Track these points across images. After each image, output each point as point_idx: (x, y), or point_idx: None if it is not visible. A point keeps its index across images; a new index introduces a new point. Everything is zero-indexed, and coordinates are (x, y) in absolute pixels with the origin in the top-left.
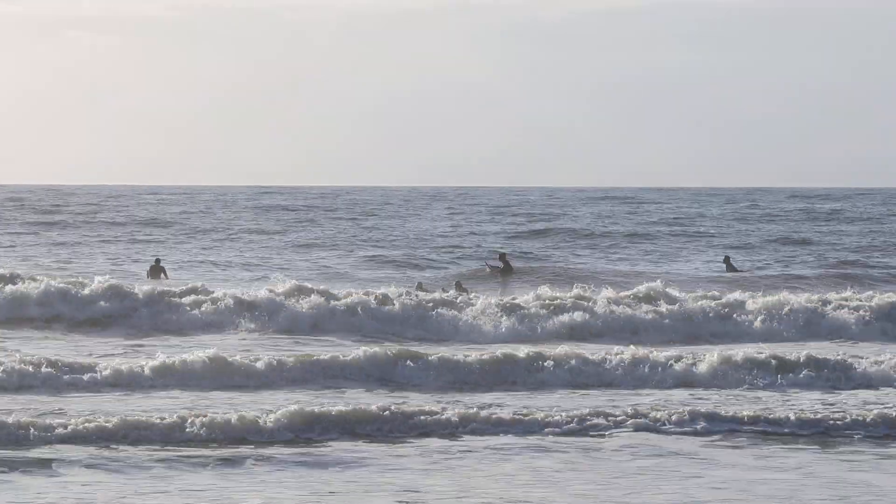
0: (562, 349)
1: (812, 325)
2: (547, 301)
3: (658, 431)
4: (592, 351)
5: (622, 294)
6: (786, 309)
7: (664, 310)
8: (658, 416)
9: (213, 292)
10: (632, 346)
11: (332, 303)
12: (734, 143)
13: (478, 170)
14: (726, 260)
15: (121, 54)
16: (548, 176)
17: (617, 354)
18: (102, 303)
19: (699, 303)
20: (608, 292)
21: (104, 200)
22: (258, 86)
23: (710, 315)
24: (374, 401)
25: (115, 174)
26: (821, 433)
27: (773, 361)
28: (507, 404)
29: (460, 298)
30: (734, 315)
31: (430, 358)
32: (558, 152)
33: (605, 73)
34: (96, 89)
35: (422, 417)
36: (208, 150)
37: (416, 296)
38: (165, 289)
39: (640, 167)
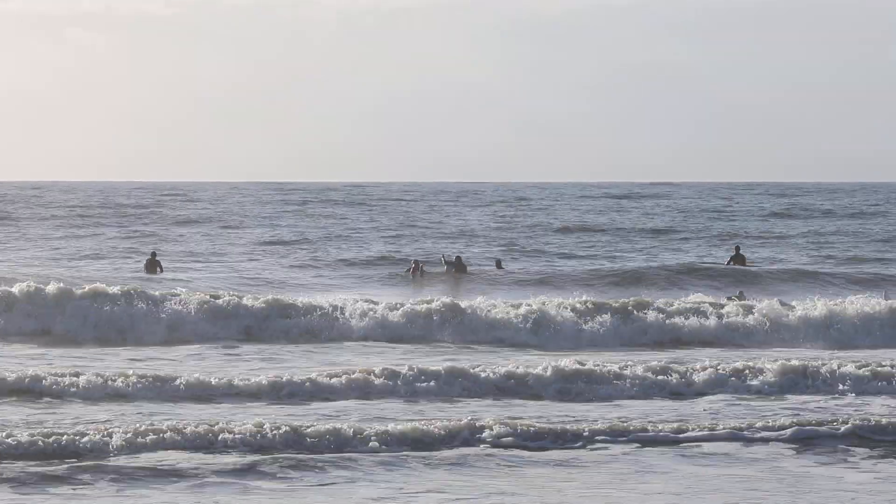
0: None
1: None
2: None
3: None
4: None
5: None
6: None
7: None
8: None
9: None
10: None
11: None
12: (736, 139)
13: (477, 166)
14: (737, 249)
15: (120, 52)
16: (548, 172)
17: None
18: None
19: None
20: None
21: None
22: (257, 83)
23: None
24: None
25: (113, 171)
26: None
27: None
28: None
29: None
30: None
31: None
32: (558, 149)
33: (605, 69)
34: (95, 87)
35: None
36: (207, 147)
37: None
38: None
39: (641, 163)
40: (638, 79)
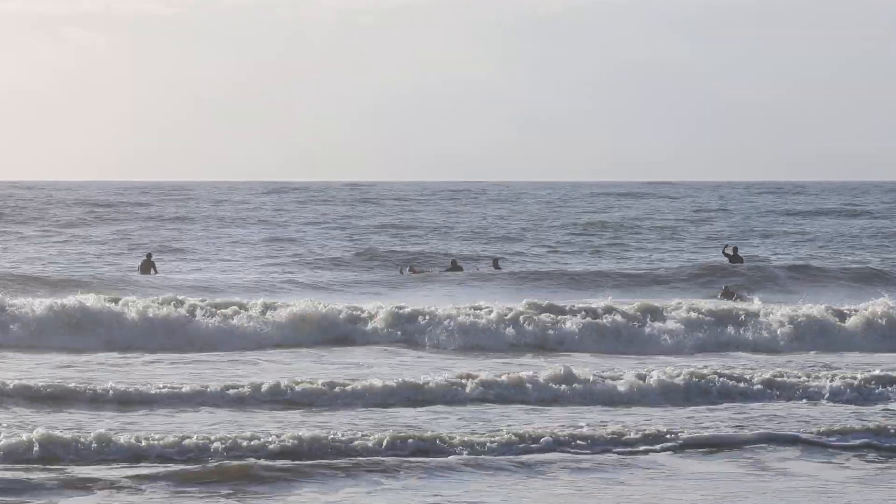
0: None
1: None
2: None
3: None
4: None
5: None
6: None
7: None
8: None
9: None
10: None
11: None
12: (738, 136)
13: (479, 164)
14: (734, 250)
15: (119, 51)
16: (550, 170)
17: None
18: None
19: None
20: None
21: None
22: (258, 82)
23: None
24: None
25: (113, 171)
26: None
27: None
28: None
29: None
30: None
31: None
32: (560, 146)
33: (607, 66)
34: (95, 87)
35: None
36: (206, 147)
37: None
38: None
39: (643, 161)
40: (640, 76)
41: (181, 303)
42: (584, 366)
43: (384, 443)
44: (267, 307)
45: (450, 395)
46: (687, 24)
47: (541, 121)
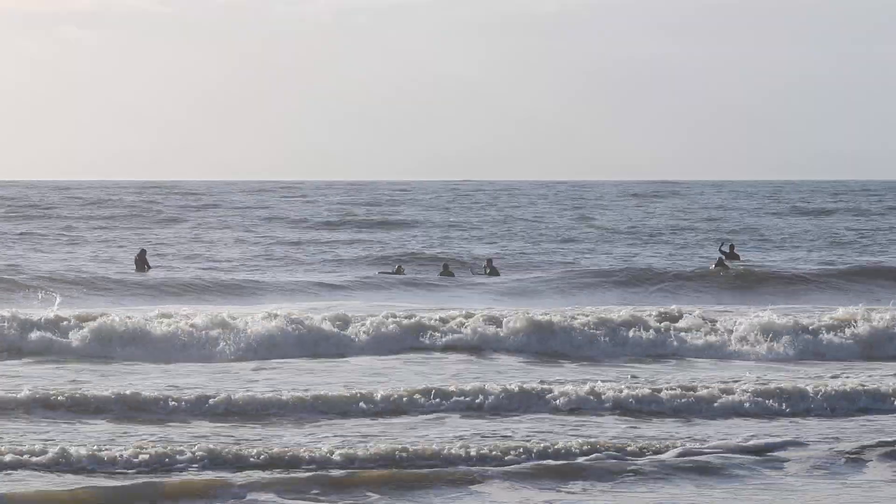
0: None
1: None
2: None
3: None
4: None
5: None
6: None
7: None
8: None
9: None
10: None
11: None
12: (730, 137)
13: (477, 164)
14: (731, 248)
15: (114, 50)
16: (546, 170)
17: None
18: None
19: None
20: None
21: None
22: (255, 81)
23: None
24: None
25: (110, 170)
26: None
27: None
28: None
29: None
30: None
31: None
32: (551, 146)
33: (602, 66)
34: (89, 85)
35: None
36: (201, 146)
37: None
38: None
39: (640, 162)
40: (639, 75)
41: None
42: None
43: None
44: None
45: None
46: (688, 24)
47: (531, 119)
